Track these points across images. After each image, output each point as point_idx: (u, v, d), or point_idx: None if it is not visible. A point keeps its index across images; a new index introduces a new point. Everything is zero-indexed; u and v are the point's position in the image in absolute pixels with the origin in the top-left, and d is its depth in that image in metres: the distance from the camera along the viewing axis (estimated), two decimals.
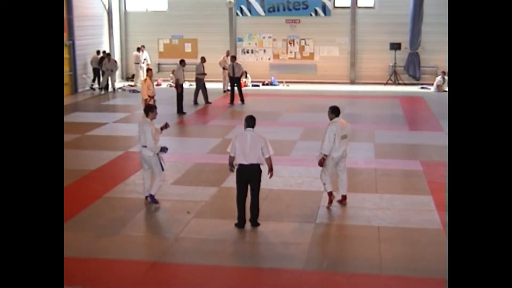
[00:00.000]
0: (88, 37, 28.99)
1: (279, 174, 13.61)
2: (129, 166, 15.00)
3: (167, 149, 11.80)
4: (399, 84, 29.84)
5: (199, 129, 19.64)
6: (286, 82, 30.66)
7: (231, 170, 10.50)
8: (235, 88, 24.82)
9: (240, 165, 10.22)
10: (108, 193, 12.51)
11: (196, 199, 12.03)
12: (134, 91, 28.32)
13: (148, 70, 19.96)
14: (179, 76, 22.09)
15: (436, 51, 29.22)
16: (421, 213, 11.20)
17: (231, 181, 13.22)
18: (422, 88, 29.04)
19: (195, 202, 11.80)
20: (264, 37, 31.56)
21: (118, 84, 30.48)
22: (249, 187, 10.33)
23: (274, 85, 30.45)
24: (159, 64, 31.72)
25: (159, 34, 32.10)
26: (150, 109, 11.91)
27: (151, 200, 11.71)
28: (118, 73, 31.90)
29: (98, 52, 29.26)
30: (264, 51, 31.66)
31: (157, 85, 29.10)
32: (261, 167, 10.27)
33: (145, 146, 11.49)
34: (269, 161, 10.28)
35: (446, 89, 27.81)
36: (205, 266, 8.96)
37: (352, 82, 30.67)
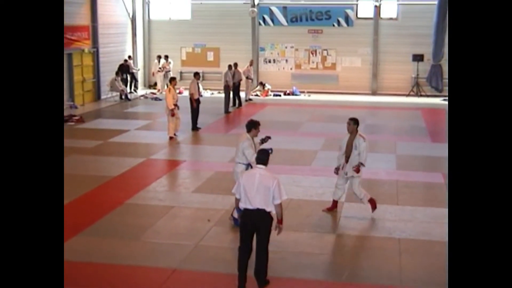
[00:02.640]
0: (112, 44, 29.24)
1: (299, 184, 13.64)
2: (150, 173, 15.08)
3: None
4: (421, 95, 29.69)
5: (220, 137, 19.68)
6: (308, 92, 30.67)
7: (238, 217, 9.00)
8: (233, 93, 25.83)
9: (245, 210, 8.35)
10: (130, 199, 12.57)
11: (217, 207, 12.05)
12: (156, 98, 28.47)
13: (173, 79, 19.97)
14: (193, 90, 20.81)
15: None
16: (442, 225, 11.10)
17: None
18: (444, 100, 28.83)
19: (216, 210, 11.82)
20: (286, 47, 31.58)
21: (141, 91, 30.70)
22: (255, 236, 8.47)
23: (296, 95, 30.44)
24: (181, 73, 31.83)
25: (182, 43, 32.25)
26: (253, 125, 10.87)
27: (234, 222, 10.71)
28: (140, 80, 32.12)
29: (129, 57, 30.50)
30: (286, 60, 31.68)
31: (179, 93, 29.23)
32: (272, 213, 8.39)
33: (238, 163, 10.91)
34: (279, 208, 8.29)
35: None
36: (225, 274, 8.96)
37: (374, 93, 30.57)
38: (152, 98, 28.73)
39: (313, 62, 31.40)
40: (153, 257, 9.61)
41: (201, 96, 21.51)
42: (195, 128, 20.61)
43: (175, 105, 18.88)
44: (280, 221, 8.36)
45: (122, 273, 9.04)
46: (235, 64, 26.30)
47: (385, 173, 14.89)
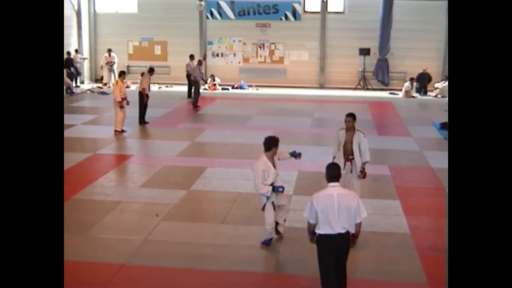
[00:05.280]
0: None
1: (248, 177, 13.60)
2: (97, 168, 14.88)
3: (281, 188, 9.73)
4: (368, 89, 30.08)
5: (168, 131, 19.54)
6: (256, 86, 30.72)
7: (312, 241, 7.84)
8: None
9: (323, 236, 7.51)
10: (76, 195, 12.38)
11: (165, 201, 11.98)
12: (103, 93, 28.10)
13: (122, 72, 19.72)
14: (145, 85, 20.73)
15: (404, 57, 29.59)
16: (389, 217, 11.30)
17: (200, 184, 13.23)
18: (390, 93, 29.32)
19: (164, 205, 11.75)
20: (234, 41, 31.56)
21: (87, 85, 30.26)
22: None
23: (244, 88, 30.48)
24: (128, 66, 31.49)
25: (128, 36, 31.88)
26: (274, 143, 9.88)
27: (265, 243, 9.92)
28: (86, 74, 31.66)
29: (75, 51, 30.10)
30: (234, 54, 31.66)
31: (126, 87, 28.86)
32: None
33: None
34: (359, 227, 7.68)
35: (414, 95, 28.30)
36: (173, 269, 8.93)
37: (322, 87, 30.83)
38: (98, 92, 28.34)
39: (261, 56, 31.46)
40: (100, 253, 9.50)
41: (149, 91, 21.29)
42: (142, 122, 20.42)
43: (123, 99, 18.70)
44: (356, 237, 8.04)
45: (69, 269, 8.84)
46: (191, 56, 26.37)
47: None
